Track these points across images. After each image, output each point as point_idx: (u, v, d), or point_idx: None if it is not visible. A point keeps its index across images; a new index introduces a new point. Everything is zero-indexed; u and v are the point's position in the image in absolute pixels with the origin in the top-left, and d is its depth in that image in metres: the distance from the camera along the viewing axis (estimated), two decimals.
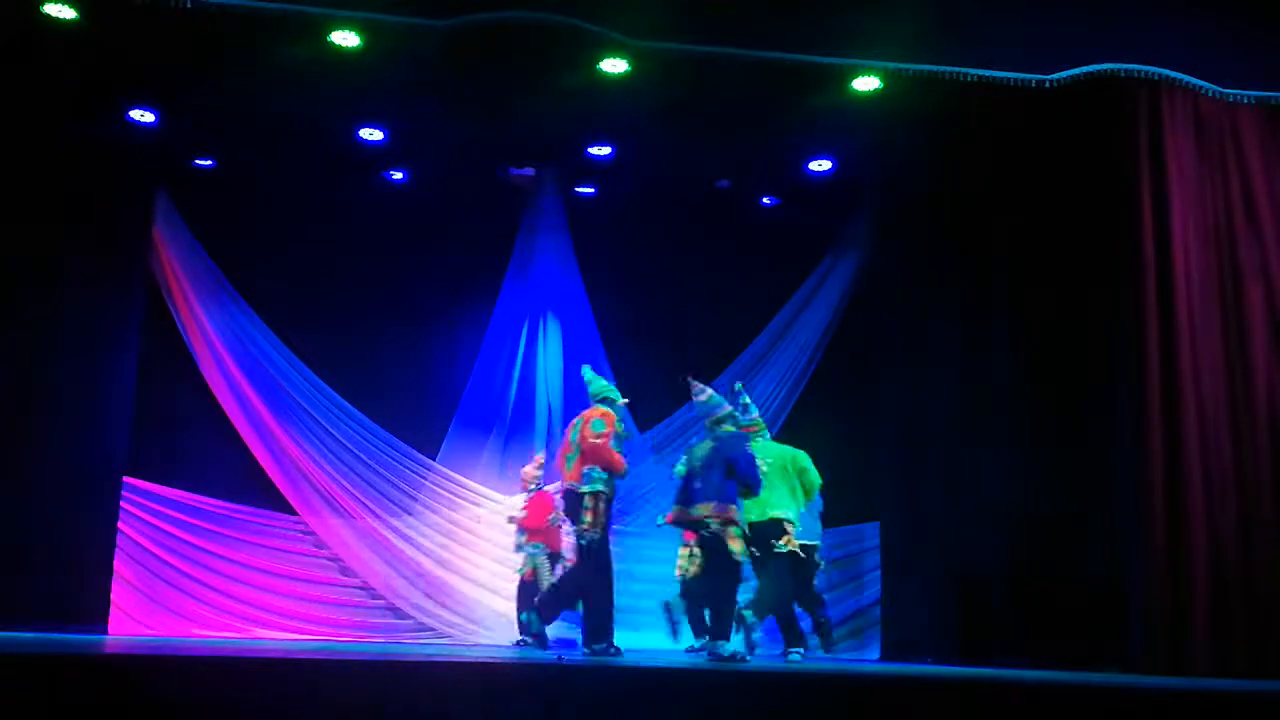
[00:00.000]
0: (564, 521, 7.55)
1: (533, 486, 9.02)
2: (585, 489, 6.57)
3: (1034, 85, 7.35)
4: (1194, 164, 7.32)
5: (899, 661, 8.38)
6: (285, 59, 7.59)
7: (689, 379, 7.24)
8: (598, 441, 6.60)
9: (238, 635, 9.21)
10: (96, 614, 8.54)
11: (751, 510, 7.01)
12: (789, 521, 7.34)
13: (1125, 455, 7.11)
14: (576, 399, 10.18)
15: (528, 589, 8.55)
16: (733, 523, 6.46)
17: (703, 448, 6.76)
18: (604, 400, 7.12)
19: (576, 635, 7.69)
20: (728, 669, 5.26)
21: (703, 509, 6.50)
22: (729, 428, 6.86)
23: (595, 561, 6.67)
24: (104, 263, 9.11)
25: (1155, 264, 7.11)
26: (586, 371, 7.49)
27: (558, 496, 7.74)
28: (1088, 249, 7.71)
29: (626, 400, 7.61)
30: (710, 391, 7.03)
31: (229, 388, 9.77)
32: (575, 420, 7.07)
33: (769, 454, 7.50)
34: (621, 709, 4.11)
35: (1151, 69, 7.32)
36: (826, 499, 8.36)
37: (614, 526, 9.46)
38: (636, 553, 9.55)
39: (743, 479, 6.50)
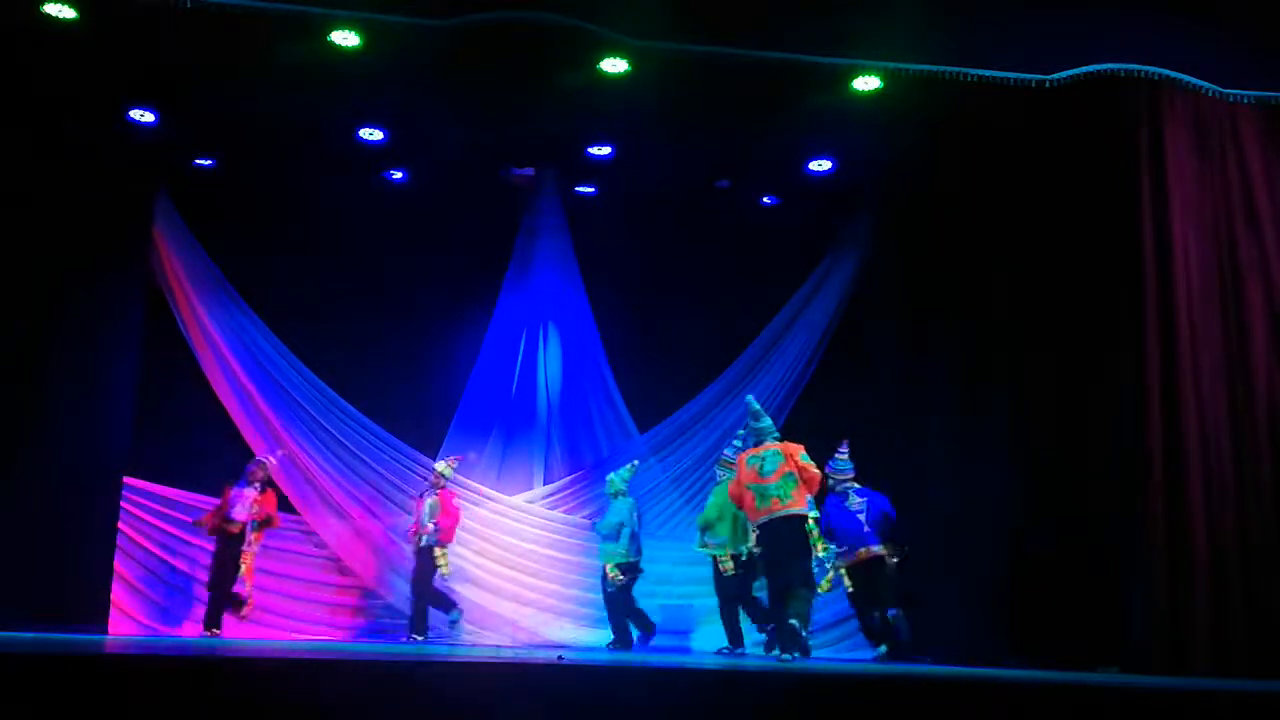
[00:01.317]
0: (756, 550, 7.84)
1: (262, 481, 9.19)
2: (812, 514, 7.02)
3: (1034, 85, 7.36)
4: (1194, 164, 7.33)
5: (899, 661, 8.37)
6: (285, 59, 7.61)
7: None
8: (818, 473, 7.11)
9: (238, 635, 9.20)
10: (96, 614, 8.55)
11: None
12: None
13: (1125, 454, 7.12)
14: (576, 398, 10.20)
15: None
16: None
17: (857, 502, 8.39)
18: (777, 435, 7.36)
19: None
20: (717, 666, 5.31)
21: (884, 549, 8.26)
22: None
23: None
24: (104, 263, 9.13)
25: (1155, 264, 7.12)
26: (753, 404, 7.46)
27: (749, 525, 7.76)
28: (1088, 249, 7.71)
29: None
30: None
31: (229, 387, 9.77)
32: (765, 454, 7.08)
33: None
34: (622, 709, 4.10)
35: (1151, 69, 7.33)
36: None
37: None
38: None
39: (892, 524, 8.35)
